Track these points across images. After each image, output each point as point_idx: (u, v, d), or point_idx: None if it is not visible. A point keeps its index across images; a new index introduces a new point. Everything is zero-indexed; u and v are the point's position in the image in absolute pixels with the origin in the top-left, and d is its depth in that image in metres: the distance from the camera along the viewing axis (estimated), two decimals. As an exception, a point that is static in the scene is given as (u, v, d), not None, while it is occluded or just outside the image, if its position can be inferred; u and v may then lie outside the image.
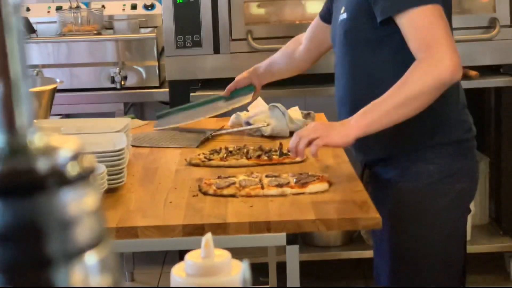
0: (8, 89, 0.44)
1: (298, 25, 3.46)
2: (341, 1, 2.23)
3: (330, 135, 2.00)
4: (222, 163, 2.30)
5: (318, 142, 2.01)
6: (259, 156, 2.32)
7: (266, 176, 2.11)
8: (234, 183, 2.05)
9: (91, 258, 0.45)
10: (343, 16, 2.17)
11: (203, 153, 2.38)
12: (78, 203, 0.44)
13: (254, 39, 3.42)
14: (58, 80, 2.72)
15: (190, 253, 1.04)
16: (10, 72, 0.44)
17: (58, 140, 0.45)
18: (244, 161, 2.30)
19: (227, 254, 1.04)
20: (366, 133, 2.00)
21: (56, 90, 2.68)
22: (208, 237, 1.02)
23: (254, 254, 3.32)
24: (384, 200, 2.16)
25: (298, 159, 2.24)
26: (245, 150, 2.37)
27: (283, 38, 3.40)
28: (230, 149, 2.39)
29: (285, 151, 2.33)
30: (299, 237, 3.46)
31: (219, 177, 2.11)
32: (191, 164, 2.32)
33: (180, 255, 3.06)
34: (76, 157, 0.45)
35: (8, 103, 0.44)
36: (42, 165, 0.43)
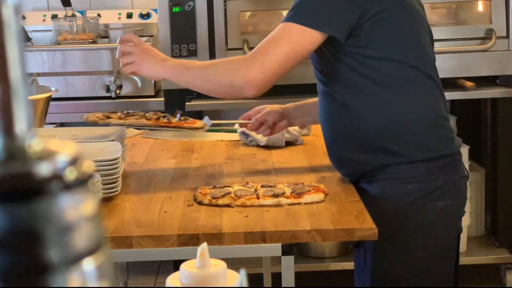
0: (8, 94, 0.44)
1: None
2: None
3: (141, 65, 2.17)
4: (121, 121, 2.26)
5: (129, 68, 2.19)
6: (158, 118, 2.30)
7: (262, 186, 2.09)
8: (229, 193, 2.03)
9: (88, 264, 0.44)
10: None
11: (101, 112, 2.35)
12: (76, 208, 0.43)
13: (250, 48, 3.42)
14: (53, 89, 2.71)
15: (185, 263, 1.03)
16: (9, 76, 0.43)
17: (56, 145, 0.45)
18: (143, 121, 2.27)
19: (222, 264, 1.03)
20: (170, 78, 2.17)
21: (51, 99, 2.67)
22: (203, 246, 1.01)
23: (249, 265, 3.31)
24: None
25: (196, 125, 2.29)
26: (142, 113, 2.34)
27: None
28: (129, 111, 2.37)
29: (182, 118, 2.34)
30: (295, 247, 3.46)
31: (214, 187, 2.10)
32: (89, 121, 2.28)
33: (174, 265, 3.05)
34: (74, 162, 0.44)
35: (7, 108, 0.44)
36: (40, 169, 0.42)
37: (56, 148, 0.45)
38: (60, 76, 3.65)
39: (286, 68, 2.06)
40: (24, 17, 3.99)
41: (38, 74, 3.66)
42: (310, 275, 3.60)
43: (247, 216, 1.92)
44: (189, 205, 2.02)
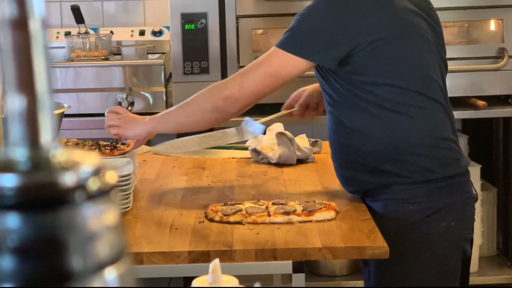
0: (34, 105, 0.44)
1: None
2: None
3: (126, 128, 2.26)
4: None
5: (112, 131, 2.28)
6: (90, 150, 2.31)
7: (273, 204, 2.09)
8: (240, 210, 2.03)
9: (110, 273, 0.44)
10: None
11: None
12: (99, 218, 0.44)
13: (262, 66, 3.42)
14: (65, 105, 2.72)
15: (197, 279, 1.03)
16: (36, 88, 0.44)
17: (80, 156, 0.45)
18: None
19: (234, 281, 1.03)
20: (155, 130, 2.24)
21: (63, 115, 2.68)
22: (215, 262, 1.01)
23: (259, 282, 3.29)
24: None
25: (127, 149, 2.33)
26: (81, 146, 2.37)
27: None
28: (69, 144, 2.39)
29: (118, 145, 2.37)
30: (305, 265, 3.45)
31: (225, 204, 2.10)
32: None
33: (184, 282, 3.04)
34: (97, 172, 0.45)
35: (33, 118, 0.44)
36: (64, 179, 0.43)
37: (79, 159, 0.46)
38: (72, 93, 3.67)
39: (264, 89, 2.13)
40: (37, 34, 4.02)
41: (51, 91, 3.67)
42: (320, 293, 3.58)
43: (258, 234, 1.92)
44: (200, 222, 2.02)
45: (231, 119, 2.28)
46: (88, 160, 0.45)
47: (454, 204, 2.13)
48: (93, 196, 0.43)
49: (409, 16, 2.14)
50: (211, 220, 2.02)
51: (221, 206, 2.08)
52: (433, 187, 2.11)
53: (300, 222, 2.00)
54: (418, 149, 2.11)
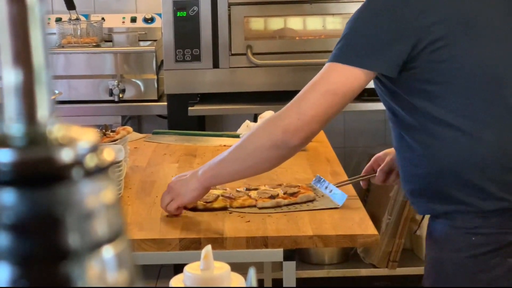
0: (30, 79, 0.43)
1: (298, 41, 3.46)
2: None
3: (180, 195, 1.96)
4: None
5: (173, 205, 1.97)
6: None
7: (247, 189, 2.11)
8: (218, 196, 2.04)
9: (108, 252, 0.44)
10: None
11: None
12: (97, 195, 0.43)
13: (254, 54, 3.42)
14: (56, 92, 2.71)
15: (189, 265, 1.03)
16: (32, 61, 0.43)
17: (77, 132, 0.45)
18: None
19: (226, 267, 1.03)
20: (212, 183, 1.95)
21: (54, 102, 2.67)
22: (208, 249, 1.01)
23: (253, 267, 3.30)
24: (427, 261, 1.99)
25: (117, 137, 2.28)
26: None
27: (283, 54, 3.42)
28: None
29: (107, 133, 2.34)
30: (296, 253, 3.46)
31: None
32: None
33: (175, 269, 3.04)
34: (95, 149, 0.44)
35: (30, 93, 0.44)
36: (61, 155, 0.42)
37: (77, 135, 0.45)
38: (63, 80, 3.65)
39: (326, 111, 1.84)
40: (28, 20, 4.00)
41: (41, 77, 3.66)
42: (310, 281, 3.59)
43: (249, 221, 1.92)
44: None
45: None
46: (85, 136, 0.45)
47: None
48: (90, 173, 0.43)
49: (481, 11, 1.90)
50: (194, 209, 2.01)
51: None
52: (502, 218, 1.85)
53: (287, 205, 2.02)
54: (485, 173, 1.84)
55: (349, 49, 1.85)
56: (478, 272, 1.87)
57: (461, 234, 1.87)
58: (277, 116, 1.89)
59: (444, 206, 1.89)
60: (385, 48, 1.84)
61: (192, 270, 1.03)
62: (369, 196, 2.87)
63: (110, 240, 0.43)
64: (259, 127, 1.91)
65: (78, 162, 0.42)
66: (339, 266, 3.53)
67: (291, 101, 1.87)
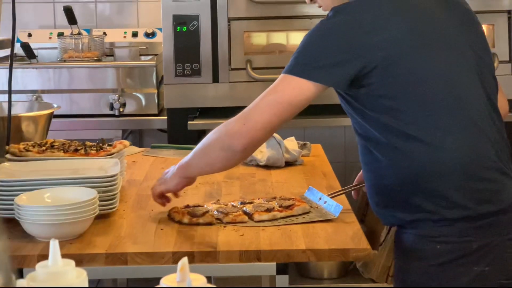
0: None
1: (297, 56, 3.46)
2: None
3: (164, 182, 2.10)
4: (38, 155, 2.26)
5: (157, 189, 2.11)
6: (76, 150, 2.30)
7: (242, 203, 2.13)
8: (207, 211, 2.05)
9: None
10: None
11: (27, 143, 2.33)
12: None
13: (253, 68, 3.44)
14: (55, 105, 2.73)
15: (166, 277, 1.04)
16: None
17: None
18: (60, 153, 2.27)
19: (202, 279, 1.03)
20: (186, 174, 2.06)
21: (53, 115, 2.69)
22: (183, 261, 1.02)
23: (246, 283, 3.30)
24: (396, 271, 2.02)
25: (113, 150, 2.31)
26: (67, 146, 2.32)
27: (282, 69, 3.41)
28: (55, 144, 2.34)
29: (104, 146, 2.33)
30: (295, 267, 3.45)
31: (187, 206, 2.11)
32: (10, 152, 2.26)
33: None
34: None
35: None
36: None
37: None
38: (65, 93, 3.68)
39: (271, 119, 1.90)
40: (30, 35, 4.03)
41: (43, 91, 3.69)
42: (309, 296, 3.58)
43: (242, 235, 1.93)
44: (161, 229, 2.00)
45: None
46: None
47: (491, 246, 1.88)
48: None
49: (433, 25, 1.95)
50: (180, 222, 2.02)
51: (183, 208, 2.09)
52: (466, 226, 1.87)
53: (284, 218, 2.03)
54: (448, 182, 1.87)
55: (300, 62, 1.91)
56: (445, 281, 1.89)
57: (426, 242, 1.90)
58: (228, 121, 1.97)
59: (410, 215, 1.92)
60: (334, 64, 1.89)
61: (168, 283, 1.04)
62: (368, 211, 2.87)
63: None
64: (215, 129, 2.00)
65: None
66: (338, 281, 3.52)
67: (244, 109, 1.95)
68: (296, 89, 1.90)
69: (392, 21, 1.91)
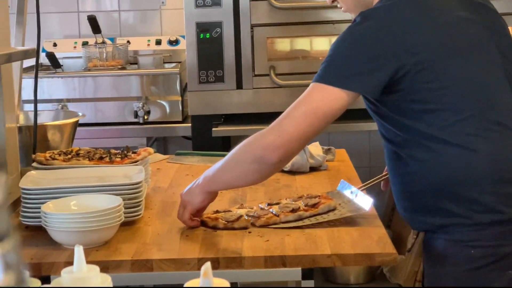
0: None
1: (320, 61, 3.45)
2: None
3: (189, 203, 2.03)
4: (64, 163, 2.27)
5: (185, 214, 2.04)
6: (101, 158, 2.30)
7: (269, 205, 2.14)
8: (242, 216, 2.06)
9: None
10: None
11: (53, 152, 2.34)
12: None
13: (277, 74, 3.44)
14: (80, 114, 2.75)
15: (189, 282, 1.04)
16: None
17: None
18: (85, 161, 2.28)
19: (226, 283, 1.03)
20: (212, 188, 2.02)
21: (78, 124, 2.71)
22: (207, 266, 1.02)
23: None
24: (427, 277, 2.00)
25: (138, 158, 2.29)
26: (92, 154, 2.33)
27: (306, 74, 3.43)
28: (81, 152, 2.35)
29: (128, 154, 2.33)
30: (321, 273, 3.44)
31: (216, 212, 2.11)
32: (36, 161, 2.27)
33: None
34: None
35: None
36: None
37: None
38: (90, 102, 3.71)
39: (305, 130, 1.88)
40: (55, 44, 4.06)
41: (68, 100, 3.72)
42: (336, 301, 3.57)
43: (267, 241, 1.93)
44: (204, 230, 2.02)
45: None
46: None
47: None
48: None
49: (462, 29, 1.94)
50: (215, 228, 2.02)
51: (214, 213, 2.09)
52: (500, 230, 1.87)
53: (309, 217, 2.05)
54: (481, 186, 1.86)
55: (331, 70, 1.89)
56: (478, 286, 1.87)
57: (459, 247, 1.88)
58: (260, 133, 1.93)
59: (440, 220, 1.90)
60: (366, 72, 1.87)
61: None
62: (393, 216, 2.85)
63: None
64: (246, 141, 1.96)
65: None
66: (364, 286, 3.51)
67: (275, 120, 1.92)
68: (330, 99, 1.88)
69: (421, 25, 1.89)
